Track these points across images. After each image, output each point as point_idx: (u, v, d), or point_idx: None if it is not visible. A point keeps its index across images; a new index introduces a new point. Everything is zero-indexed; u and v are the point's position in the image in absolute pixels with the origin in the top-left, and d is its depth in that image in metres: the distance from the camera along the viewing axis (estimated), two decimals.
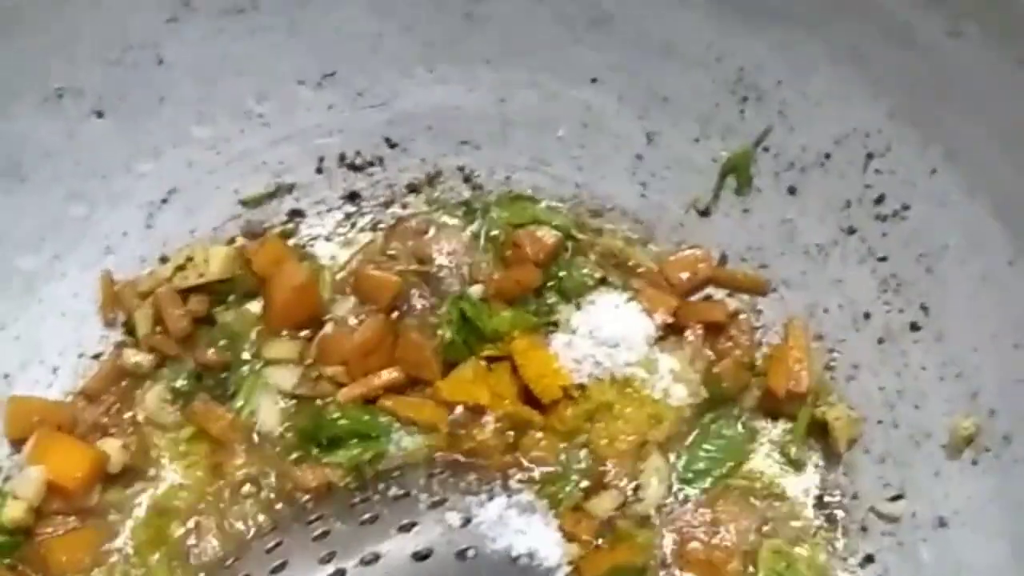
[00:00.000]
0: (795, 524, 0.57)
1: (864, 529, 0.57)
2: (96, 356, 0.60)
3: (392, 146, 0.62)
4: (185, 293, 0.59)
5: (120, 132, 0.58)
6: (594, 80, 0.60)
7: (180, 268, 0.59)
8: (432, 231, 0.62)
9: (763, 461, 0.58)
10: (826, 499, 0.57)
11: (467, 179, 0.63)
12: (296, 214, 0.62)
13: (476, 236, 0.62)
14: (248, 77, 0.59)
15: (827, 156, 0.57)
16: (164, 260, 0.61)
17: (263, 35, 0.58)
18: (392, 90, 0.61)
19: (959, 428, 0.54)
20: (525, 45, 0.59)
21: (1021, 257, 0.52)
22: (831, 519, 0.57)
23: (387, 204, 0.63)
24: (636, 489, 0.57)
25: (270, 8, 0.57)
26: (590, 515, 0.56)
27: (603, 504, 0.56)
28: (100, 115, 0.57)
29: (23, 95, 0.54)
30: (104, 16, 0.54)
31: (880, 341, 0.57)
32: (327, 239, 0.62)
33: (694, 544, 0.56)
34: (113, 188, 0.59)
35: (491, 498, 0.54)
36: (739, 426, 0.59)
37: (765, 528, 0.56)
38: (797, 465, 0.58)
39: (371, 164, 0.63)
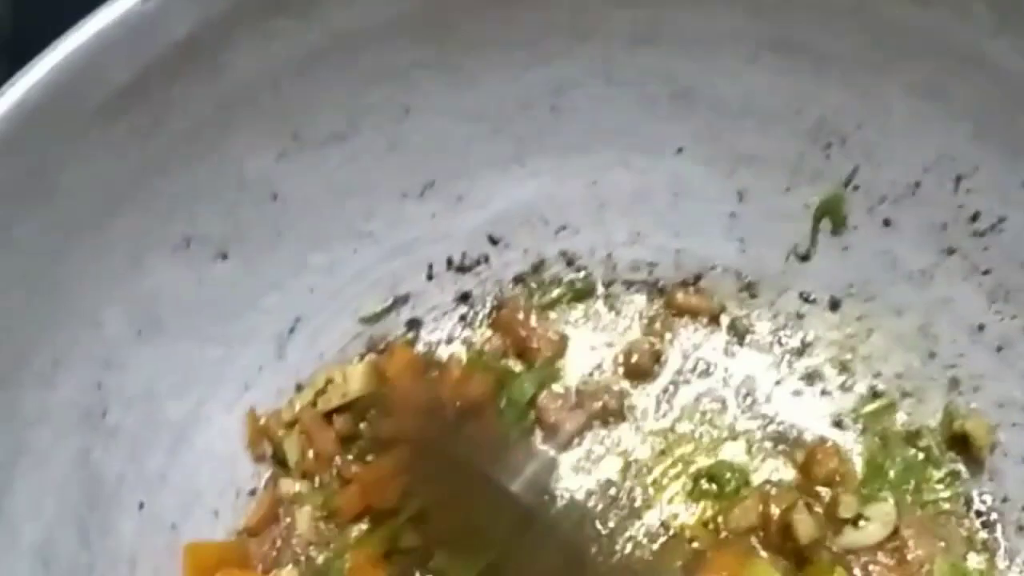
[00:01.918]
0: (963, 534, 0.59)
1: (1021, 528, 0.59)
2: (252, 492, 0.61)
3: (495, 243, 0.65)
4: (328, 415, 0.62)
5: (245, 271, 0.60)
6: (680, 150, 0.63)
7: (321, 392, 0.61)
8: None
9: None
10: (977, 507, 0.60)
11: (570, 262, 0.66)
12: (414, 323, 0.65)
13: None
14: (355, 198, 0.61)
15: (917, 185, 0.60)
16: (299, 388, 0.62)
17: (364, 157, 0.60)
18: (489, 190, 0.64)
19: None
20: (611, 128, 0.62)
21: None
22: (987, 524, 0.59)
23: (497, 299, 0.65)
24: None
25: (368, 130, 0.60)
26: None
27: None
28: (224, 257, 0.59)
29: (154, 248, 0.56)
30: (222, 160, 0.56)
31: (999, 349, 0.60)
32: (447, 342, 0.65)
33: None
34: (244, 326, 0.61)
35: None
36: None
37: (940, 544, 0.58)
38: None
39: (477, 263, 0.65)
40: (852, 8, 0.56)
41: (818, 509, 0.58)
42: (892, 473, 0.60)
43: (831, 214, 0.63)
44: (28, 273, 0.51)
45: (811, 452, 0.61)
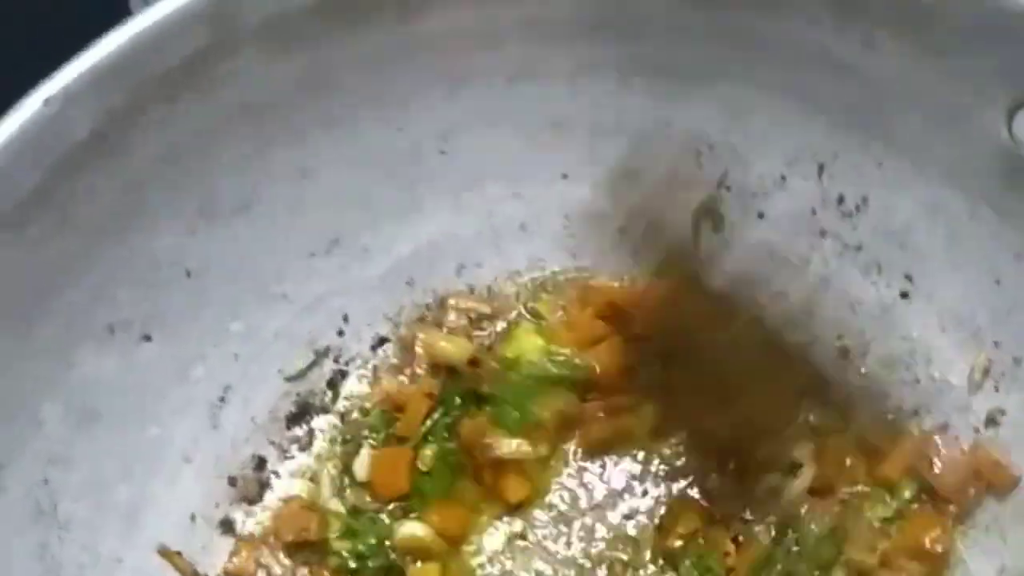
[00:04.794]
0: None
1: None
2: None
3: (408, 284, 0.68)
4: None
5: (169, 348, 0.61)
6: (565, 175, 0.67)
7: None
8: None
9: None
10: None
11: (472, 290, 0.69)
12: (340, 375, 0.67)
13: None
14: (265, 263, 0.63)
15: (783, 178, 0.65)
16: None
17: (269, 222, 0.62)
18: (392, 238, 0.66)
19: (976, 365, 0.63)
20: (497, 163, 0.66)
21: (976, 210, 0.61)
22: None
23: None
24: None
25: (270, 196, 0.62)
26: None
27: None
28: (148, 338, 0.60)
29: (82, 340, 0.57)
30: (134, 244, 0.58)
31: (879, 316, 0.65)
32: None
33: None
34: (176, 401, 0.62)
35: None
36: None
37: None
38: None
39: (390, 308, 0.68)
40: (705, 25, 0.61)
41: None
42: None
43: (709, 215, 0.68)
44: None
45: None
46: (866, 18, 0.58)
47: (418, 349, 0.66)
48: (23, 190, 0.51)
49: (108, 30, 0.53)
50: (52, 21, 0.76)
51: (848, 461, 0.64)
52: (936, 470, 0.63)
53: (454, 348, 0.66)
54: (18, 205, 0.51)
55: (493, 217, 0.67)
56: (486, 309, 0.68)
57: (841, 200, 0.65)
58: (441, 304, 0.68)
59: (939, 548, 0.62)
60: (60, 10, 0.75)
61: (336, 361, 0.67)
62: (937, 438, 0.63)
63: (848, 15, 0.58)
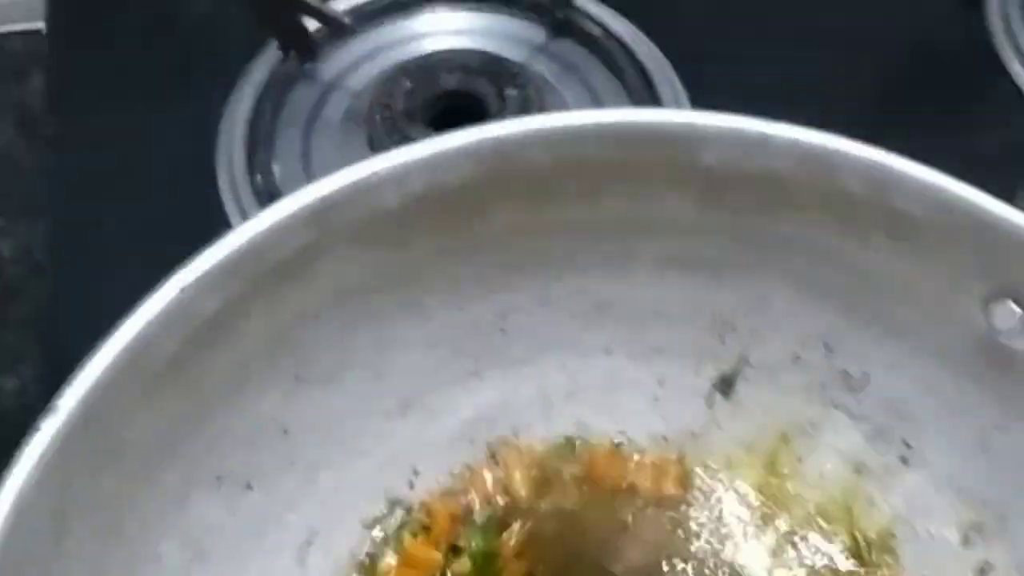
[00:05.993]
0: None
1: None
2: None
3: (470, 443, 0.78)
4: None
5: (267, 497, 0.71)
6: (607, 350, 0.77)
7: None
8: None
9: None
10: None
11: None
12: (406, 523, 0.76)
13: None
14: (348, 423, 0.74)
15: (797, 356, 0.75)
16: None
17: (353, 388, 0.73)
18: (455, 403, 0.77)
19: (966, 522, 0.71)
20: (549, 340, 0.77)
21: (963, 387, 0.70)
22: None
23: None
24: None
25: (355, 366, 0.72)
26: None
27: None
28: (250, 487, 0.70)
29: (195, 487, 0.67)
30: (242, 407, 0.68)
31: (885, 475, 0.75)
32: None
33: None
34: (271, 543, 0.71)
35: None
36: None
37: None
38: None
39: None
40: (727, 227, 0.72)
41: None
42: None
43: (724, 385, 0.78)
44: (106, 523, 0.62)
45: None
46: (863, 224, 0.69)
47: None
48: (163, 357, 0.62)
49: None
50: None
51: None
52: None
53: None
54: (155, 375, 0.62)
55: (543, 387, 0.78)
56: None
57: (846, 376, 0.75)
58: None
59: None
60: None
61: (407, 512, 0.76)
62: None
63: (847, 221, 0.69)
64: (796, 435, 0.77)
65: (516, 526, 0.75)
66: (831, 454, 0.76)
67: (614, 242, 0.74)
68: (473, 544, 0.75)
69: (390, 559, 0.75)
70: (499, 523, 0.76)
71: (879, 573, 0.74)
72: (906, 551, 0.74)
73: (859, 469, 0.75)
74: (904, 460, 0.74)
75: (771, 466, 0.78)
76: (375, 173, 0.66)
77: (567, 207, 0.72)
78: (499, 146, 0.68)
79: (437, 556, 0.75)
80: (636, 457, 0.79)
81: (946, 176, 0.65)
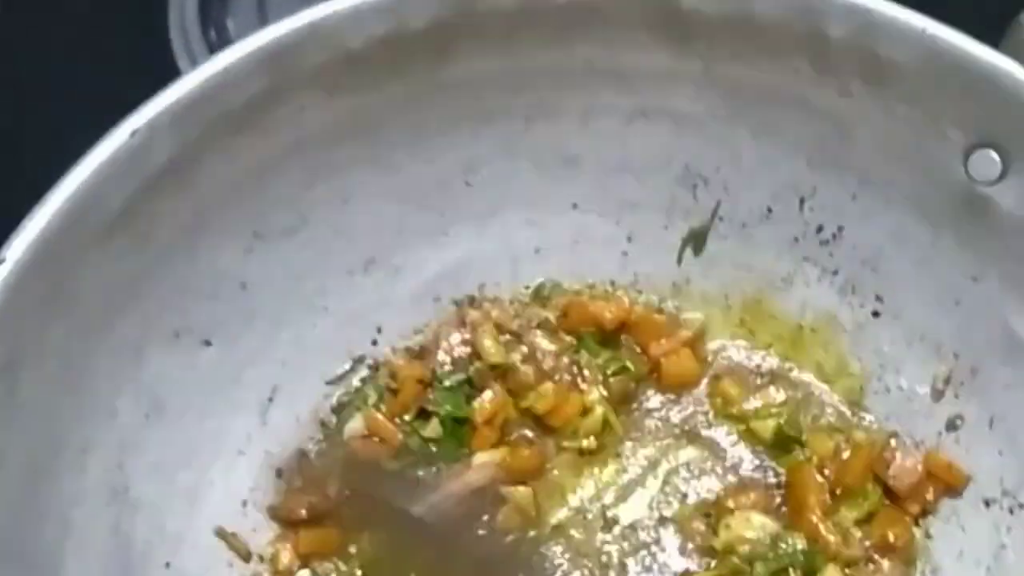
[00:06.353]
0: None
1: None
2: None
3: (436, 300, 0.76)
4: None
5: (226, 353, 0.69)
6: (575, 205, 0.75)
7: None
8: None
9: None
10: None
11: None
12: (371, 378, 0.75)
13: None
14: (310, 280, 0.72)
15: (769, 210, 0.73)
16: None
17: (314, 243, 0.71)
18: (421, 259, 0.75)
19: (938, 376, 0.71)
20: (515, 194, 0.74)
21: (938, 238, 0.69)
22: None
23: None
24: None
25: (316, 220, 0.70)
26: None
27: None
28: (209, 343, 0.68)
29: (152, 342, 0.65)
30: (200, 261, 0.66)
31: (853, 331, 0.74)
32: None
33: None
34: (231, 400, 0.70)
35: None
36: None
37: None
38: None
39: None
40: (700, 76, 0.69)
41: None
42: None
43: (695, 241, 0.76)
44: (58, 374, 0.60)
45: None
46: (841, 70, 0.66)
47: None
48: (113, 208, 0.59)
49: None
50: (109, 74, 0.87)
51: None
52: (892, 475, 0.71)
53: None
54: (109, 220, 0.60)
55: (510, 243, 0.76)
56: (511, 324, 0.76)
57: (820, 230, 0.73)
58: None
59: (901, 543, 0.70)
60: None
61: (369, 368, 0.75)
62: (893, 444, 0.72)
63: (825, 68, 0.66)
64: (768, 291, 0.76)
65: (487, 395, 0.74)
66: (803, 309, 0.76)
67: (584, 93, 0.71)
68: (443, 410, 0.74)
69: (356, 423, 0.74)
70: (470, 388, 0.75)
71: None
72: (877, 405, 0.74)
73: (831, 325, 0.75)
74: (876, 314, 0.73)
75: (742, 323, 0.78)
76: (334, 13, 0.63)
77: (537, 54, 0.69)
78: None
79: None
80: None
81: (933, 20, 0.63)
